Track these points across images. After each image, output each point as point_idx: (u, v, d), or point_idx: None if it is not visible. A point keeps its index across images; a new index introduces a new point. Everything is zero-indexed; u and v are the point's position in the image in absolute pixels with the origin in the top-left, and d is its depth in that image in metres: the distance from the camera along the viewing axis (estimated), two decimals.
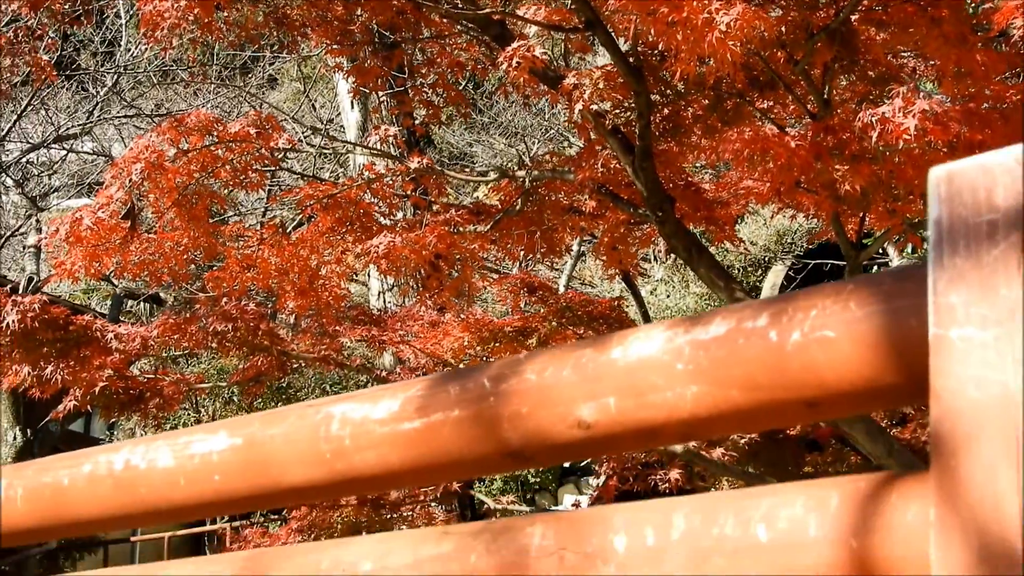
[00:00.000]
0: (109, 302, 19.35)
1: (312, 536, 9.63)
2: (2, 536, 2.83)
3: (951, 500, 1.49)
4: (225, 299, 9.05)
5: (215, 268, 9.61)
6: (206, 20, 7.91)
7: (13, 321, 8.16)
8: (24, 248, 19.25)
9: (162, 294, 18.96)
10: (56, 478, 2.66)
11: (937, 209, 1.54)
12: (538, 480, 18.89)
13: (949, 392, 1.50)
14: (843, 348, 1.65)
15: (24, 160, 19.20)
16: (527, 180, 7.97)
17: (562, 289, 12.34)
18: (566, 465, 19.88)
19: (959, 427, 1.49)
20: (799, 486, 1.71)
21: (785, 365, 1.70)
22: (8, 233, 18.07)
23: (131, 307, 20.63)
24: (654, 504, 1.84)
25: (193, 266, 11.11)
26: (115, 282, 18.05)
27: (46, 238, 10.10)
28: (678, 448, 8.36)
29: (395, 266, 8.67)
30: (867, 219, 7.45)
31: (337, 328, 9.32)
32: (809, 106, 6.83)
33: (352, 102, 14.20)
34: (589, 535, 1.86)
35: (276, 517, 16.48)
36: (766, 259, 19.57)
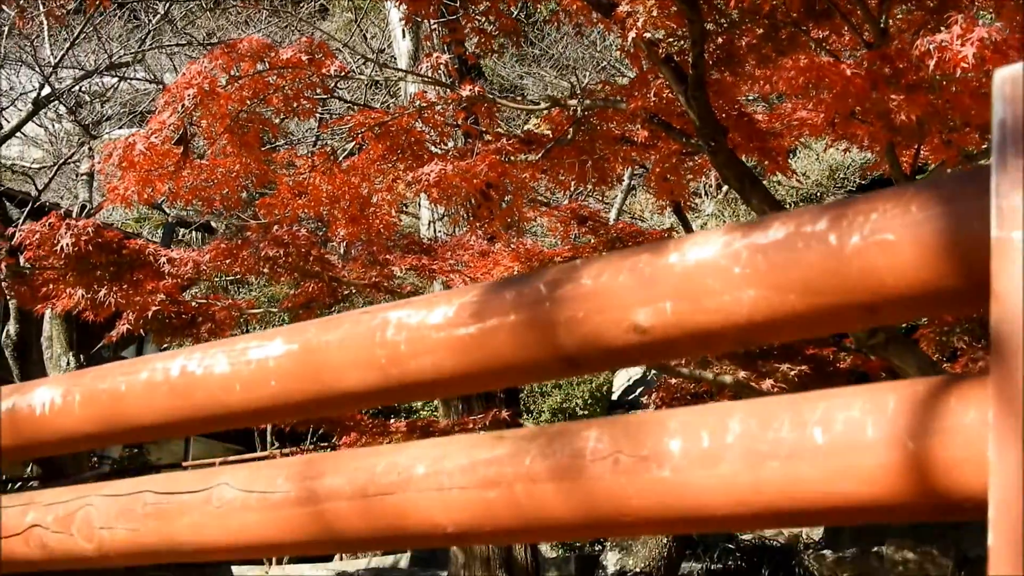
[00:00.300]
0: (161, 231, 19.46)
1: None
2: (60, 441, 2.87)
3: (1010, 402, 1.48)
4: (276, 226, 9.07)
5: (266, 195, 9.63)
6: None
7: (67, 244, 8.23)
8: (77, 176, 19.35)
9: (213, 223, 19.05)
10: (113, 384, 2.69)
11: (1001, 110, 1.53)
12: (586, 412, 18.94)
13: (1010, 294, 1.49)
14: (903, 251, 1.64)
15: (77, 88, 19.28)
16: (579, 109, 7.93)
17: (612, 221, 12.30)
18: (614, 398, 19.92)
19: (1019, 329, 1.48)
20: (856, 389, 1.71)
21: (844, 269, 1.69)
22: (61, 161, 18.18)
23: (183, 236, 20.74)
24: (709, 408, 1.84)
25: (244, 193, 11.15)
26: (167, 210, 18.15)
27: (99, 163, 10.16)
28: (727, 379, 8.35)
29: (446, 195, 8.66)
30: (922, 151, 7.38)
31: (388, 257, 9.33)
32: (865, 35, 6.74)
33: (404, 31, 14.14)
34: (644, 438, 1.87)
35: (325, 444, 16.63)
36: (818, 194, 19.42)
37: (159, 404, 2.59)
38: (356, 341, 2.26)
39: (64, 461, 14.09)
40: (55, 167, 17.63)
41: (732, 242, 1.81)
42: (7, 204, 15.93)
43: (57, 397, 2.81)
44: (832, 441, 1.67)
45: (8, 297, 10.34)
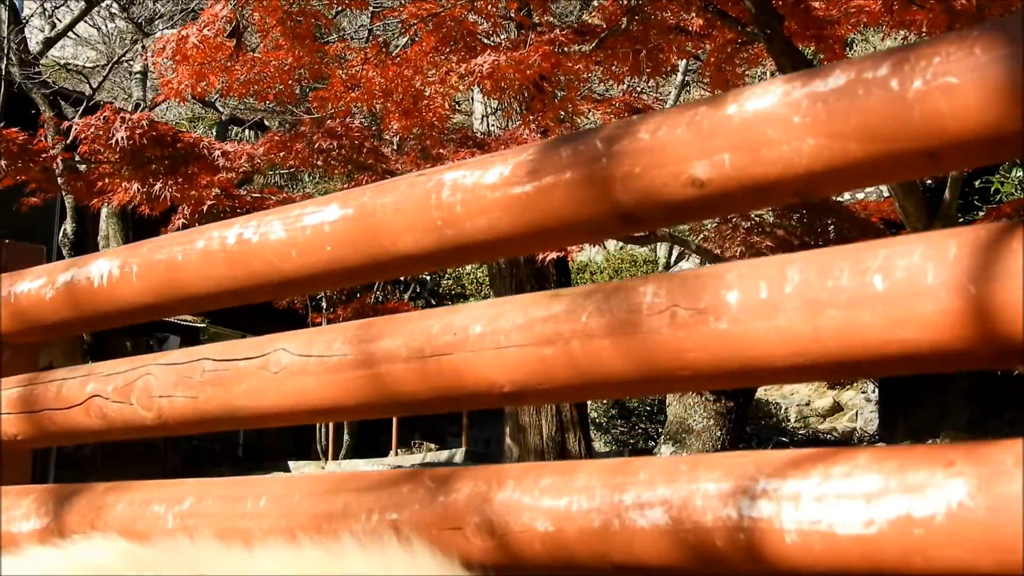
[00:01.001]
0: (215, 131, 19.48)
1: None
2: (118, 313, 2.89)
3: None
4: (329, 120, 9.05)
5: (319, 89, 9.60)
6: None
7: (122, 137, 8.25)
8: (131, 75, 19.40)
9: (266, 121, 19.04)
10: (170, 254, 2.70)
11: None
12: None
13: None
14: (967, 95, 1.61)
15: None
16: None
17: None
18: None
19: None
20: (917, 236, 1.69)
21: (906, 114, 1.66)
22: (114, 60, 18.20)
23: (236, 134, 20.77)
24: (768, 260, 1.83)
25: (298, 88, 11.12)
26: (220, 109, 18.17)
27: (153, 57, 10.15)
28: None
29: (498, 87, 8.61)
30: None
31: (441, 151, 9.30)
32: None
33: None
34: (701, 292, 1.85)
35: None
36: None
37: (216, 272, 2.60)
38: (411, 204, 2.25)
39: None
40: (108, 66, 17.66)
41: (791, 91, 1.79)
42: (62, 103, 15.99)
43: (115, 269, 2.82)
44: (892, 287, 1.65)
45: (64, 194, 10.41)
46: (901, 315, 1.64)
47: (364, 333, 2.31)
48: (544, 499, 1.98)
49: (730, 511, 1.77)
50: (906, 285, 1.64)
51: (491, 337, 2.08)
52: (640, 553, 1.88)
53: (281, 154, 8.47)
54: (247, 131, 20.43)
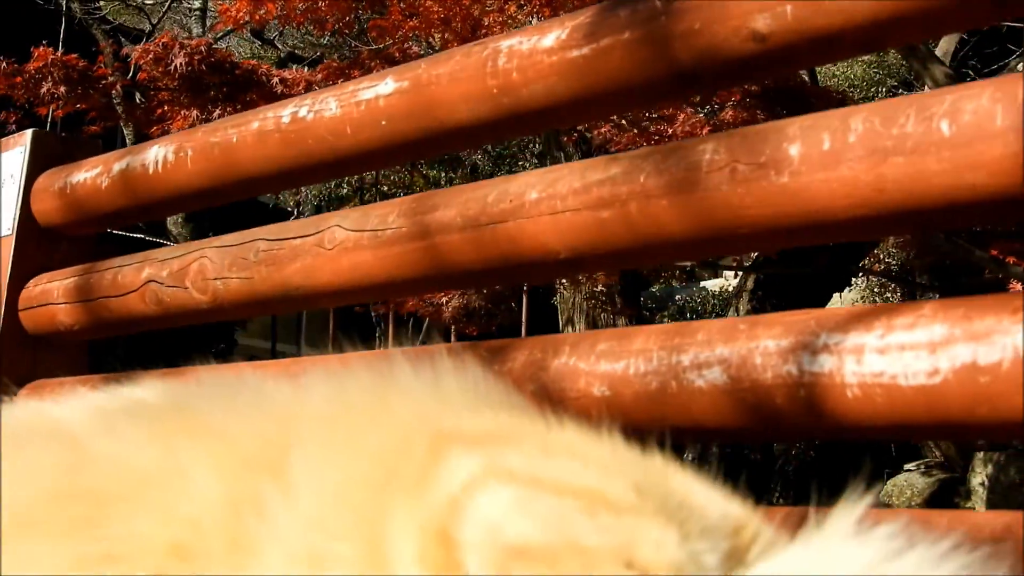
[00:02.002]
0: (274, 70, 19.44)
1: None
2: (173, 198, 2.88)
3: None
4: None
5: (377, 18, 9.56)
6: None
7: (180, 64, 8.25)
8: (190, 12, 19.44)
9: (324, 57, 19.03)
10: (225, 137, 2.68)
11: None
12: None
13: None
14: None
15: None
16: None
17: None
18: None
19: None
20: (985, 81, 1.63)
21: None
22: None
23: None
24: (831, 112, 1.78)
25: (356, 23, 11.08)
26: (279, 46, 18.16)
27: None
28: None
29: (557, 15, 8.52)
30: None
31: None
32: None
33: None
34: (762, 146, 1.81)
35: None
36: None
37: (270, 153, 2.58)
38: (467, 73, 2.21)
39: None
40: (168, 1, 17.70)
41: None
42: (121, 40, 16.03)
43: (169, 154, 2.81)
44: (959, 132, 1.61)
45: (123, 123, 10.44)
46: (968, 160, 1.60)
47: (419, 205, 2.28)
48: (600, 364, 1.95)
49: (790, 367, 1.74)
50: (973, 129, 1.59)
51: (547, 202, 2.05)
52: (698, 414, 1.85)
53: (340, 80, 8.43)
54: (306, 68, 20.43)
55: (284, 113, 2.54)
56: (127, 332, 2.94)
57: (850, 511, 0.98)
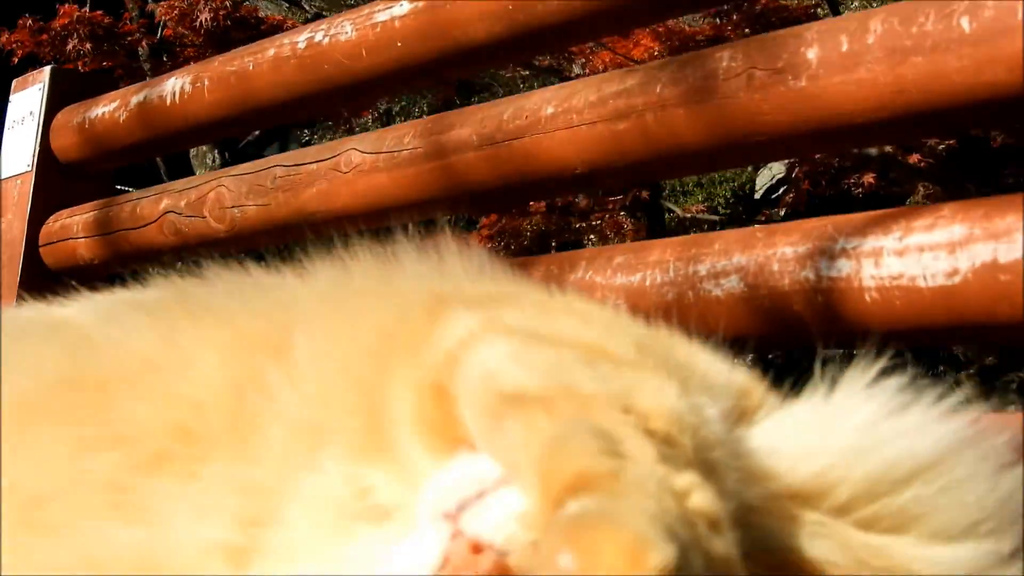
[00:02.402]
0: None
1: (502, 243, 9.69)
2: (191, 130, 2.87)
3: None
4: None
5: None
6: None
7: (205, 20, 8.23)
8: None
9: None
10: (241, 65, 2.67)
11: None
12: (728, 211, 18.68)
13: None
14: None
15: None
16: None
17: None
18: (756, 197, 19.60)
19: None
20: None
21: None
22: None
23: None
24: (849, 15, 1.75)
25: None
26: (306, 7, 18.14)
27: None
28: (872, 151, 8.14)
29: None
30: None
31: None
32: None
33: None
34: (779, 51, 1.79)
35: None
36: None
37: (287, 79, 2.57)
38: None
39: None
40: None
41: None
42: None
43: (187, 84, 2.80)
44: (980, 28, 1.58)
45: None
46: (988, 56, 1.57)
47: (435, 125, 2.26)
48: (617, 277, 1.93)
49: (808, 273, 1.72)
50: (994, 24, 1.56)
51: (563, 116, 2.03)
52: (715, 323, 1.82)
53: None
54: None
55: (300, 39, 2.53)
56: (146, 264, 2.93)
57: (861, 370, 0.96)
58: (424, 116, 2.35)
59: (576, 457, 0.70)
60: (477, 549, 0.81)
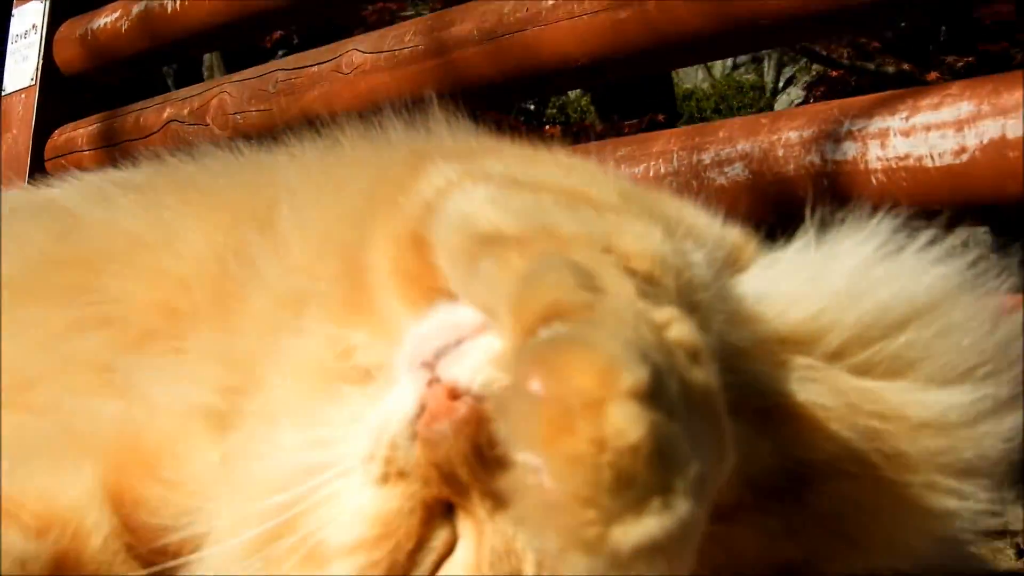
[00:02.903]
0: None
1: None
2: (193, 37, 2.83)
3: None
4: None
5: None
6: None
7: None
8: None
9: None
10: None
11: None
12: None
13: None
14: None
15: None
16: None
17: None
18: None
19: None
20: None
21: None
22: None
23: None
24: None
25: None
26: None
27: None
28: (890, 69, 8.05)
29: None
30: None
31: None
32: None
33: None
34: None
35: None
36: None
37: None
38: None
39: None
40: None
41: None
42: None
43: None
44: None
45: None
46: None
47: (435, 22, 2.23)
48: (620, 168, 1.90)
49: (813, 157, 1.68)
50: None
51: (564, 7, 1.99)
52: (719, 211, 1.80)
53: None
54: None
55: None
56: None
57: (854, 222, 0.93)
58: None
59: (549, 289, 0.67)
60: (454, 395, 0.79)
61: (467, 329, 0.81)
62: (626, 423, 0.59)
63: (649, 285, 0.74)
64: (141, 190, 1.31)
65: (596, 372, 0.60)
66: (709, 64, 14.98)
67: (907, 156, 1.58)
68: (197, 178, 1.29)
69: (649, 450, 0.59)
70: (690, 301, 0.76)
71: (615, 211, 0.86)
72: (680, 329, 0.69)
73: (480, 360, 0.79)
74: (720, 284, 0.84)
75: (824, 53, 8.67)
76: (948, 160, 1.55)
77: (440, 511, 0.82)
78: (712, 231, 0.98)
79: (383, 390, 0.88)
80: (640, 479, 0.59)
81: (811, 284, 0.86)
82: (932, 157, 1.56)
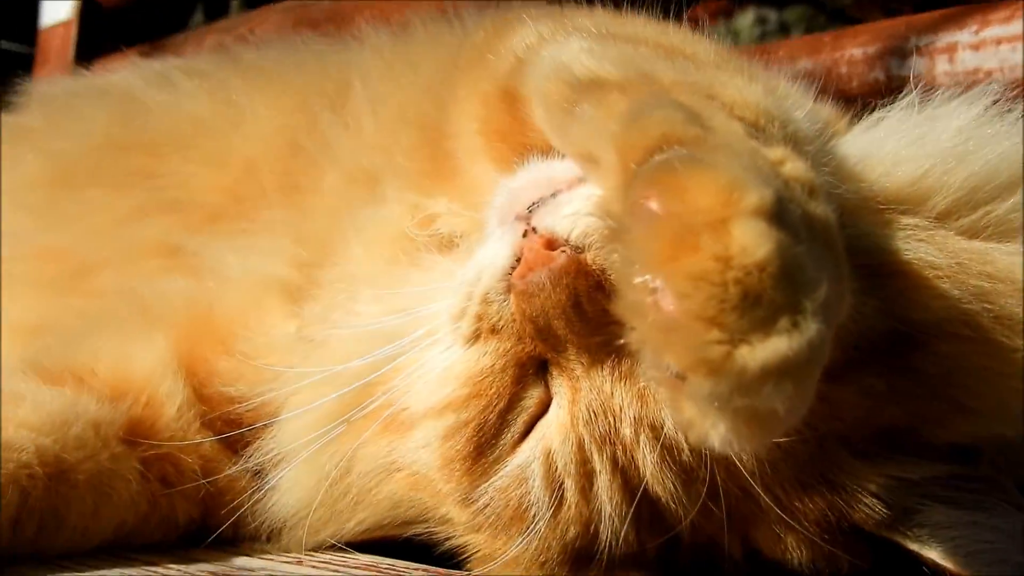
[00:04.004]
0: None
1: None
2: None
3: None
4: None
5: None
6: None
7: None
8: None
9: None
10: None
11: None
12: None
13: None
14: None
15: None
16: None
17: None
18: None
19: None
20: None
21: None
22: None
23: None
24: None
25: None
26: None
27: None
28: None
29: None
30: None
31: None
32: None
33: None
34: None
35: None
36: None
37: None
38: None
39: None
40: None
41: None
42: None
43: None
44: None
45: None
46: None
47: None
48: None
49: (877, 74, 1.64)
50: None
51: None
52: None
53: None
54: None
55: None
56: None
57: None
58: None
59: (658, 124, 0.64)
60: (551, 246, 0.76)
61: (562, 182, 0.78)
62: (752, 240, 0.56)
63: (755, 131, 0.71)
64: (205, 75, 1.29)
65: (718, 190, 0.57)
66: None
67: (976, 70, 1.55)
68: (263, 64, 1.27)
69: (776, 268, 0.55)
70: (797, 150, 0.73)
71: (715, 67, 0.84)
72: (795, 166, 0.67)
73: (578, 210, 0.76)
74: (822, 141, 0.81)
75: None
76: (1019, 74, 1.51)
77: (533, 369, 0.79)
78: (806, 100, 0.94)
79: (467, 255, 0.86)
80: (767, 298, 0.55)
81: (916, 144, 0.83)
82: (1003, 71, 1.52)
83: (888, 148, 0.83)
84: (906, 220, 0.79)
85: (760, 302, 0.55)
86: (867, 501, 0.76)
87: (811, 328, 0.56)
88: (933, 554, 0.76)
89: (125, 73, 1.43)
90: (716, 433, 0.57)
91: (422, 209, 0.93)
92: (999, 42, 1.51)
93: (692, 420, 0.57)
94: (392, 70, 1.11)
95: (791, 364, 0.55)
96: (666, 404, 0.59)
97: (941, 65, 1.56)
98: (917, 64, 1.58)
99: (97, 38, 3.05)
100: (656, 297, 0.57)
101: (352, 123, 1.08)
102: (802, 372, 0.56)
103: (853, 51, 1.66)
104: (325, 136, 1.08)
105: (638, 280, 0.58)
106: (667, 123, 0.64)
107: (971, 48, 1.54)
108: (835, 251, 0.64)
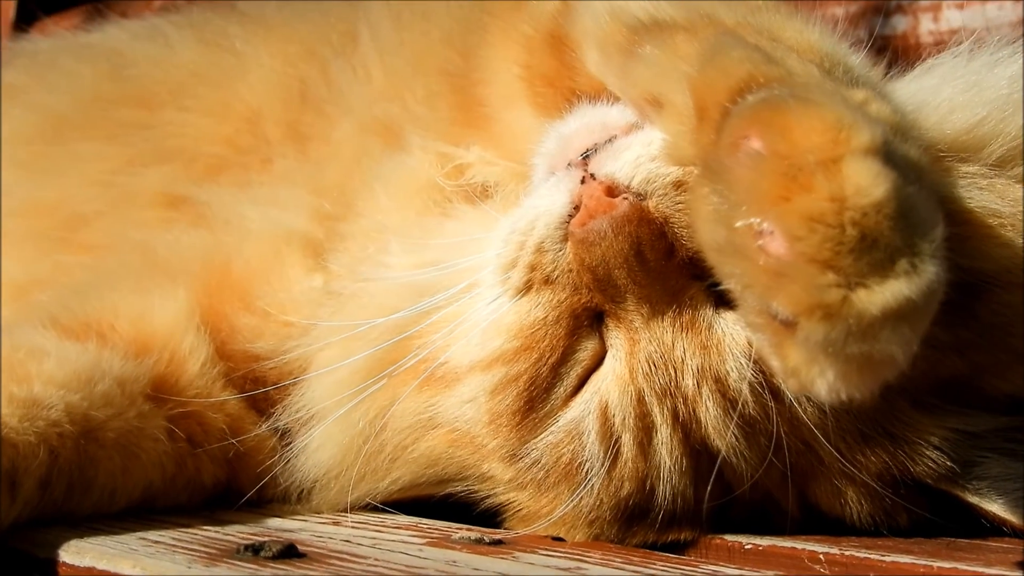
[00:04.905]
0: None
1: None
2: None
3: None
4: None
5: None
6: None
7: None
8: None
9: None
10: None
11: None
12: None
13: None
14: None
15: None
16: None
17: None
18: None
19: None
20: None
21: None
22: None
23: None
24: None
25: None
26: None
27: None
28: None
29: None
30: None
31: None
32: None
33: None
34: None
35: None
36: None
37: None
38: None
39: None
40: None
41: None
42: None
43: None
44: None
45: None
46: None
47: None
48: None
49: (860, 32, 1.63)
50: None
51: None
52: None
53: None
54: None
55: None
56: None
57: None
58: None
59: (739, 64, 0.62)
60: (612, 192, 0.74)
61: (617, 127, 0.76)
62: (868, 180, 0.54)
63: (824, 72, 0.69)
64: (198, 26, 1.25)
65: (826, 128, 0.55)
66: None
67: (961, 30, 1.54)
68: (259, 12, 1.23)
69: (893, 209, 0.53)
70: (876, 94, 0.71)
71: (768, 10, 0.82)
72: (880, 107, 0.65)
73: (639, 156, 0.74)
74: (881, 85, 0.79)
75: None
76: (1006, 32, 1.50)
77: (587, 320, 0.77)
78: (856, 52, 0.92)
79: (506, 205, 0.83)
80: (885, 239, 0.53)
81: (971, 91, 0.81)
82: (989, 31, 1.52)
83: (943, 95, 0.82)
84: (965, 168, 0.77)
85: (878, 244, 0.53)
86: (929, 454, 0.75)
87: (929, 270, 0.54)
88: (994, 507, 0.75)
89: (105, 32, 1.38)
90: (824, 380, 0.55)
91: (452, 159, 0.91)
92: (985, 0, 1.51)
93: (797, 367, 0.55)
94: (401, 19, 1.07)
95: (911, 308, 0.54)
96: (768, 351, 0.57)
97: (925, 24, 1.56)
98: (900, 23, 1.58)
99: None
100: (764, 240, 0.55)
101: (361, 72, 1.04)
102: (920, 316, 0.55)
103: (835, 9, 1.65)
104: (335, 84, 1.05)
105: (740, 223, 0.56)
106: (750, 62, 0.62)
107: (956, 7, 1.53)
108: (931, 191, 0.62)
